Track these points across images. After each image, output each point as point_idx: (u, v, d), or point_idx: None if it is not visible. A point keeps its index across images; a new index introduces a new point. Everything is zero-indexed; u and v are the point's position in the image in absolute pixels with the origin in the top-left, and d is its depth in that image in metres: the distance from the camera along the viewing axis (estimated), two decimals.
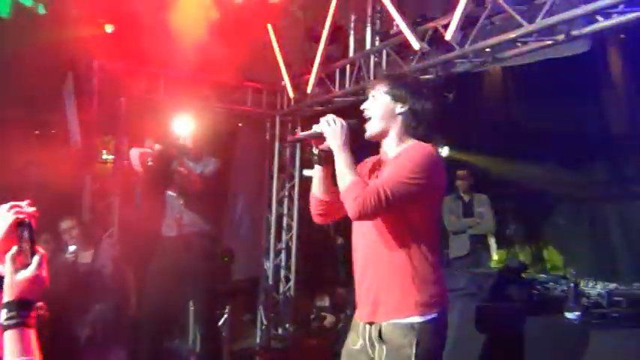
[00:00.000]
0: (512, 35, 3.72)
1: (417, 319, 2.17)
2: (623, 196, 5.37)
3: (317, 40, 5.41)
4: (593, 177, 5.67)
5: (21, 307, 1.36)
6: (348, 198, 2.13)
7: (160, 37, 5.10)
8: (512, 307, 3.46)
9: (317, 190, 2.41)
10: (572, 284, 3.21)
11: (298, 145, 6.86)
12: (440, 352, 2.23)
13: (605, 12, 3.24)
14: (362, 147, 2.33)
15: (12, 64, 4.90)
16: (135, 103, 5.91)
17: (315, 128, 2.30)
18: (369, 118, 2.33)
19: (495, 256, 5.88)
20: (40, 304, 1.42)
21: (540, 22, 3.48)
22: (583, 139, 5.47)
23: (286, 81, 6.02)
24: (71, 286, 4.57)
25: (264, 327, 6.74)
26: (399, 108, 2.30)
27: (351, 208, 2.12)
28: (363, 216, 2.12)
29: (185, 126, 4.56)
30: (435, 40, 4.32)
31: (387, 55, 4.97)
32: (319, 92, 5.73)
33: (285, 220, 7.02)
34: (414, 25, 4.38)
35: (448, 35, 3.90)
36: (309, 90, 5.59)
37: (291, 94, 6.08)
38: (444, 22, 4.11)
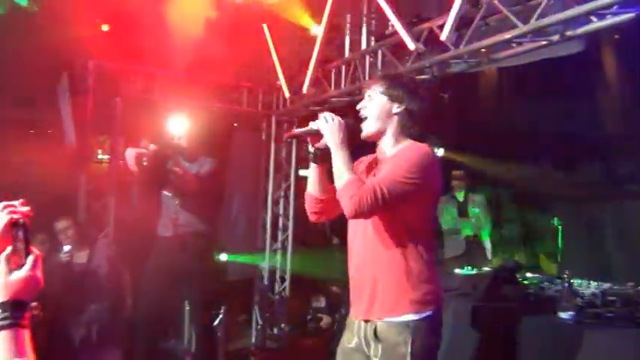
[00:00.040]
0: (507, 36, 3.73)
1: (412, 316, 2.19)
2: (618, 196, 5.39)
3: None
4: (588, 177, 5.69)
5: (15, 307, 1.36)
6: (344, 196, 2.14)
7: (155, 37, 5.09)
8: (506, 306, 3.47)
9: (313, 188, 2.42)
10: (566, 284, 3.22)
11: (294, 145, 6.87)
12: (435, 350, 2.25)
13: (599, 13, 3.25)
14: (358, 146, 2.34)
15: (7, 64, 4.89)
16: (130, 102, 5.91)
17: (312, 125, 2.31)
18: (366, 118, 2.34)
19: (490, 257, 5.91)
20: (34, 304, 1.42)
21: (535, 23, 3.49)
22: (577, 139, 5.49)
23: (282, 81, 6.01)
24: (66, 287, 4.57)
25: (259, 327, 6.74)
26: (396, 108, 2.31)
27: (347, 206, 2.13)
28: (359, 214, 2.13)
29: (180, 126, 4.55)
30: (431, 41, 4.32)
31: (383, 55, 4.98)
32: (315, 92, 5.73)
33: (280, 220, 7.02)
34: (409, 26, 4.38)
35: (443, 36, 3.91)
36: (304, 90, 5.59)
37: (286, 94, 6.08)
38: (440, 22, 4.12)
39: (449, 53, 4.16)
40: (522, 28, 3.57)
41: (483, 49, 4.06)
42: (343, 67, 5.46)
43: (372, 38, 5.12)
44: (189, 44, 5.20)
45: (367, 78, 4.92)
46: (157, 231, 4.69)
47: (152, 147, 4.34)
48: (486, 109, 6.27)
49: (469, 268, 4.54)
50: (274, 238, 7.01)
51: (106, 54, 5.59)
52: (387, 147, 2.33)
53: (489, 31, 3.98)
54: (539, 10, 3.46)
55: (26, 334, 1.35)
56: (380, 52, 5.01)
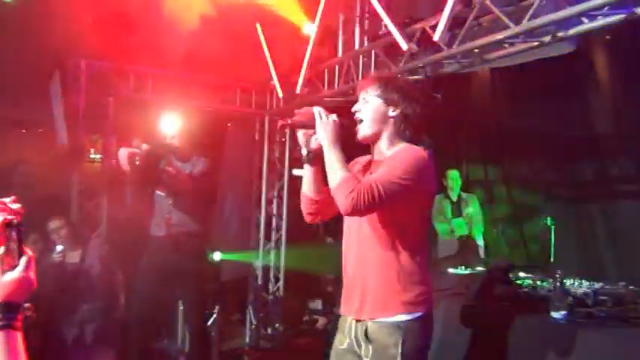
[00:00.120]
0: (499, 36, 3.75)
1: (403, 317, 2.20)
2: (610, 196, 5.42)
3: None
4: (580, 177, 5.72)
5: (8, 309, 1.35)
6: (340, 193, 2.12)
7: (148, 36, 5.07)
8: (498, 306, 3.48)
9: (307, 189, 2.42)
10: (558, 283, 3.24)
11: (287, 145, 6.87)
12: (425, 351, 2.26)
13: (591, 14, 3.27)
14: (350, 146, 2.34)
15: None
16: (123, 102, 5.89)
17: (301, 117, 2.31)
18: (361, 121, 2.34)
19: (483, 256, 5.93)
20: (27, 305, 1.41)
21: (527, 24, 3.51)
22: (569, 139, 5.52)
23: (275, 80, 6.01)
24: (59, 287, 4.55)
25: (253, 327, 6.74)
26: (391, 112, 2.32)
27: (343, 203, 2.11)
28: (355, 211, 2.12)
29: (173, 125, 4.55)
30: (424, 41, 4.33)
31: (376, 55, 4.99)
32: (308, 92, 5.73)
33: (274, 219, 7.02)
34: (402, 26, 4.39)
35: (436, 36, 3.92)
36: (298, 90, 5.59)
37: (280, 94, 6.08)
38: (432, 22, 4.13)
39: (442, 53, 4.17)
40: (514, 29, 3.59)
41: (476, 50, 4.08)
42: (337, 67, 5.47)
43: (366, 38, 5.12)
44: (183, 44, 5.19)
45: (360, 78, 4.93)
46: (150, 231, 4.69)
47: (145, 146, 4.33)
48: (478, 109, 6.29)
49: (462, 267, 4.55)
50: (268, 237, 7.01)
51: (99, 53, 5.57)
52: (383, 149, 2.34)
53: (482, 31, 4.00)
54: (531, 11, 3.47)
55: (19, 337, 1.34)
56: (373, 53, 5.02)
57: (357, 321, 2.29)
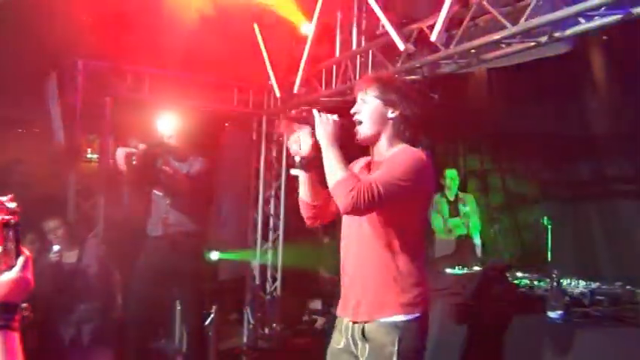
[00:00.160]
0: (496, 37, 3.76)
1: (400, 317, 2.21)
2: (607, 195, 5.43)
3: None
4: (576, 176, 5.72)
5: (5, 309, 1.35)
6: (340, 192, 2.12)
7: (145, 36, 5.07)
8: (495, 306, 3.49)
9: (304, 195, 2.43)
10: (554, 283, 3.25)
11: (285, 145, 6.85)
12: (422, 351, 2.26)
13: (587, 14, 3.28)
14: (350, 148, 2.35)
15: None
16: (120, 101, 5.88)
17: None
18: (360, 122, 2.35)
19: (480, 255, 5.94)
20: (24, 305, 1.41)
21: (524, 24, 3.51)
22: (566, 139, 5.52)
23: (273, 80, 6.01)
24: (56, 286, 4.55)
25: (250, 326, 6.74)
26: (390, 113, 2.32)
27: (343, 201, 2.10)
28: (355, 210, 2.12)
29: (170, 125, 4.55)
30: (421, 41, 4.34)
31: (373, 55, 4.99)
32: (306, 92, 5.74)
33: (271, 219, 7.03)
34: (399, 26, 4.40)
35: (433, 36, 3.92)
36: (295, 89, 5.59)
37: (277, 94, 6.08)
38: (429, 22, 4.14)
39: (439, 54, 4.18)
40: (511, 29, 3.59)
41: (473, 50, 4.08)
42: (334, 67, 5.47)
43: (363, 38, 5.13)
44: (180, 43, 5.19)
45: (358, 78, 4.93)
46: (147, 231, 4.68)
47: (142, 146, 4.33)
48: (475, 110, 6.30)
49: (459, 267, 4.56)
50: (265, 237, 7.01)
51: (96, 53, 5.56)
52: (382, 150, 2.34)
53: (479, 32, 4.01)
54: (527, 12, 3.48)
55: (16, 337, 1.34)
56: (370, 53, 5.02)
57: (354, 322, 2.29)
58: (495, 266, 3.86)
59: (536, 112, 5.75)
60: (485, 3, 3.73)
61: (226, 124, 7.16)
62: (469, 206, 6.25)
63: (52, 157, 5.56)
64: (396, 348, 2.16)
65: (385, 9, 4.42)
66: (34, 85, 5.63)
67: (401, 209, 2.22)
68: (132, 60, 5.76)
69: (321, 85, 5.64)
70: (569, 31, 3.45)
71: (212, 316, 4.79)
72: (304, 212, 2.48)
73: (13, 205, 1.45)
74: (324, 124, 2.24)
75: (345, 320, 2.35)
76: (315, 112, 2.27)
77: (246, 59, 6.16)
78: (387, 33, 4.42)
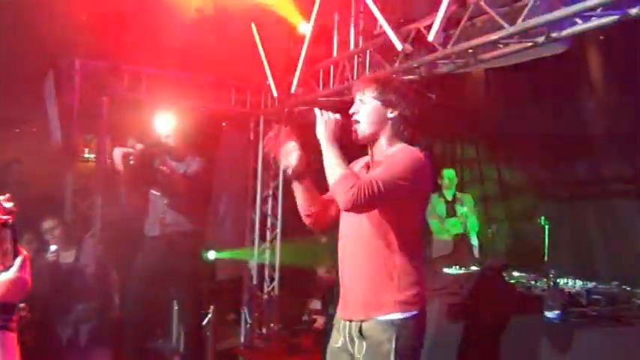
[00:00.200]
0: (493, 37, 3.77)
1: (397, 315, 2.22)
2: (604, 195, 5.44)
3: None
4: (573, 176, 5.73)
5: (2, 310, 1.35)
6: (340, 189, 2.13)
7: (142, 35, 5.07)
8: (492, 306, 3.49)
9: (301, 204, 2.47)
10: (551, 283, 3.26)
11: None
12: (419, 350, 2.28)
13: (584, 15, 3.29)
14: (349, 148, 2.35)
15: None
16: (117, 101, 5.87)
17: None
18: (359, 123, 2.35)
19: (478, 255, 5.95)
20: (22, 305, 1.41)
21: (521, 24, 3.52)
22: (562, 139, 5.53)
23: (270, 80, 6.01)
24: (53, 286, 4.55)
25: (248, 326, 6.74)
26: (389, 113, 2.33)
27: (343, 198, 2.11)
28: (356, 206, 2.12)
29: (168, 125, 4.55)
30: (418, 41, 4.34)
31: (371, 55, 4.99)
32: (303, 92, 5.74)
33: (269, 219, 7.02)
34: (397, 26, 4.40)
35: (431, 36, 3.93)
36: (293, 89, 5.59)
37: (275, 94, 6.08)
38: (427, 23, 4.15)
39: (436, 54, 4.18)
40: (509, 30, 3.60)
41: (470, 50, 4.09)
42: (332, 67, 5.47)
43: (361, 38, 5.13)
44: (178, 43, 5.18)
45: (355, 78, 4.94)
46: (144, 231, 4.68)
47: (139, 146, 4.33)
48: (472, 110, 6.30)
49: (457, 267, 4.56)
50: (263, 237, 7.01)
51: (93, 52, 5.55)
52: (381, 150, 2.35)
53: (476, 32, 4.01)
54: (525, 12, 3.49)
55: (14, 338, 1.34)
56: (368, 53, 5.02)
57: (351, 320, 2.30)
58: (493, 266, 3.86)
59: (534, 112, 5.76)
60: (482, 3, 3.74)
61: (224, 124, 7.15)
62: (467, 206, 6.26)
63: (49, 157, 5.55)
64: (394, 345, 2.17)
65: (383, 9, 4.43)
66: (32, 85, 5.61)
67: (399, 208, 2.23)
68: (129, 60, 5.75)
69: (318, 85, 5.64)
70: (566, 32, 3.46)
71: (209, 315, 4.79)
72: (304, 218, 2.52)
73: (10, 204, 1.45)
74: (325, 121, 2.25)
75: (342, 320, 2.36)
76: (316, 110, 2.29)
77: (243, 59, 6.16)
78: (384, 33, 4.43)
